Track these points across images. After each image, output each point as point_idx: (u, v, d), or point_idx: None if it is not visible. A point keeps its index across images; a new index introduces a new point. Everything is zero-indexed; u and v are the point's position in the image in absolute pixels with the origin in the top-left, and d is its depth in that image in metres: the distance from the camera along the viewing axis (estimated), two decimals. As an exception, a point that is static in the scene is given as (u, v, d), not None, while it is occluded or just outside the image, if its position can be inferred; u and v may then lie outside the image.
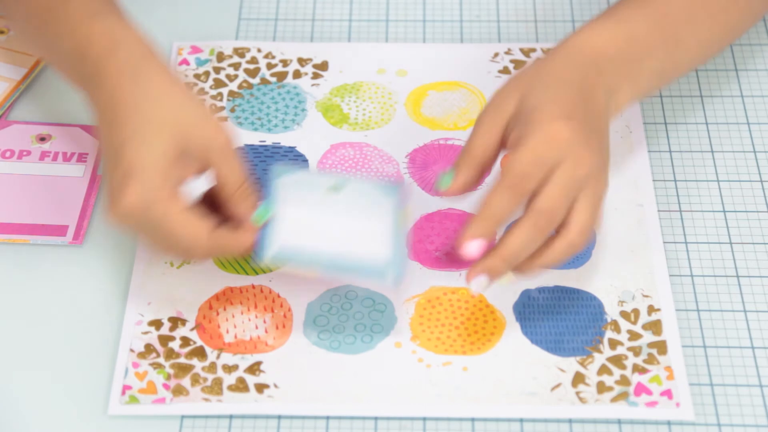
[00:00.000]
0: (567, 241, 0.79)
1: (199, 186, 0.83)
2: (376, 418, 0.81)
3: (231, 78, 1.02)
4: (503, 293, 0.87)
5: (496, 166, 0.83)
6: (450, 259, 0.88)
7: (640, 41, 0.86)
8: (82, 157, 0.96)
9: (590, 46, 0.85)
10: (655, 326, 0.85)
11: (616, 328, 0.85)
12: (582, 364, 0.83)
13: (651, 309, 0.86)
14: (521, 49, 1.04)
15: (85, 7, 0.85)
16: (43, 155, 0.96)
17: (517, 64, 1.03)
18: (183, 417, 0.82)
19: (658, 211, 0.92)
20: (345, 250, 0.82)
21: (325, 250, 0.82)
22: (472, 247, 0.80)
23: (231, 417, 0.82)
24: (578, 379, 0.83)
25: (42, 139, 0.97)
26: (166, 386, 0.82)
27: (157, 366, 0.84)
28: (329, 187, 0.86)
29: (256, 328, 0.86)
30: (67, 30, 0.84)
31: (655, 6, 0.88)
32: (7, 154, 0.96)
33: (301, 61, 1.03)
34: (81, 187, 0.94)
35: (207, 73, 1.02)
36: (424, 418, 0.82)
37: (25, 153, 0.96)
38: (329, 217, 0.83)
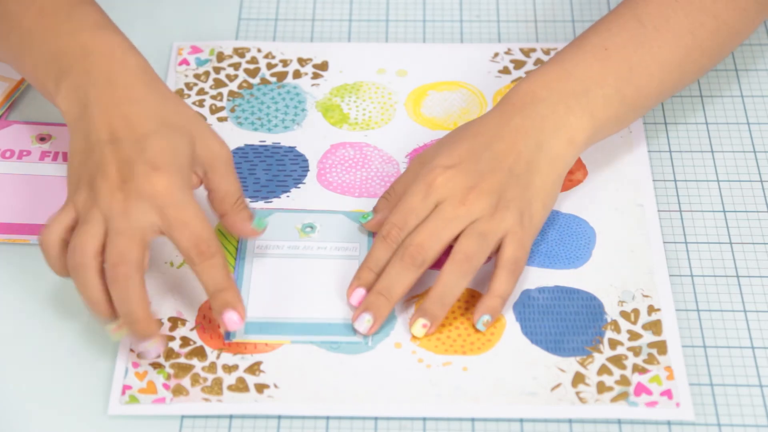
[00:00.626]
0: (440, 275, 0.84)
1: None
2: (376, 418, 0.81)
3: (231, 78, 1.02)
4: (503, 293, 0.87)
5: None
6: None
7: (578, 76, 0.88)
8: (82, 157, 0.96)
9: (519, 95, 0.88)
10: (655, 326, 0.85)
11: (616, 328, 0.85)
12: (582, 364, 0.83)
13: (651, 309, 0.86)
14: (521, 49, 1.04)
15: (90, 18, 0.87)
16: (43, 155, 0.96)
17: (517, 64, 1.03)
18: (183, 417, 0.82)
19: (658, 211, 0.92)
20: (314, 315, 0.86)
21: (294, 319, 0.86)
22: (356, 297, 0.85)
23: (231, 417, 0.82)
24: (578, 379, 0.83)
25: (42, 139, 0.97)
26: (166, 386, 0.82)
27: (157, 366, 0.84)
28: (302, 227, 0.90)
29: (256, 328, 0.86)
30: (67, 32, 0.86)
31: (594, 42, 0.89)
32: (7, 154, 0.96)
33: (301, 61, 1.03)
34: (81, 187, 0.94)
35: (207, 73, 1.02)
36: (424, 418, 0.81)
37: (25, 153, 0.96)
38: (300, 274, 0.88)
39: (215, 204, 0.86)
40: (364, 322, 0.84)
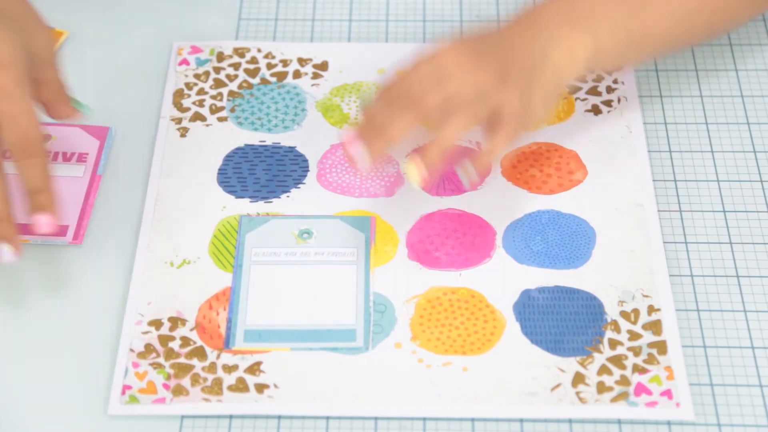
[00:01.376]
0: (436, 140, 0.83)
1: None
2: (376, 418, 0.81)
3: (231, 78, 1.02)
4: (503, 293, 0.87)
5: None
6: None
7: (587, 5, 0.88)
8: (82, 157, 0.96)
9: (528, 15, 0.88)
10: (655, 326, 0.85)
11: (616, 328, 0.85)
12: (582, 364, 0.83)
13: (651, 309, 0.86)
14: (521, 49, 1.04)
15: None
16: (44, 155, 0.96)
17: (517, 64, 1.03)
18: (183, 417, 0.82)
19: (658, 211, 0.92)
20: (312, 322, 0.86)
21: (292, 327, 0.85)
22: (348, 139, 0.84)
23: (231, 417, 0.82)
24: (578, 379, 0.83)
25: (42, 139, 0.97)
26: (166, 386, 0.82)
27: (157, 366, 0.84)
28: (299, 233, 0.90)
29: (256, 328, 0.86)
30: None
31: None
32: (8, 154, 0.96)
33: (301, 61, 1.03)
34: (81, 187, 0.94)
35: (207, 73, 1.02)
36: (424, 418, 0.82)
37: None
38: (297, 280, 0.88)
39: (41, 93, 0.86)
40: (362, 156, 0.83)
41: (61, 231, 0.90)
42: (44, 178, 0.81)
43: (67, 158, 0.95)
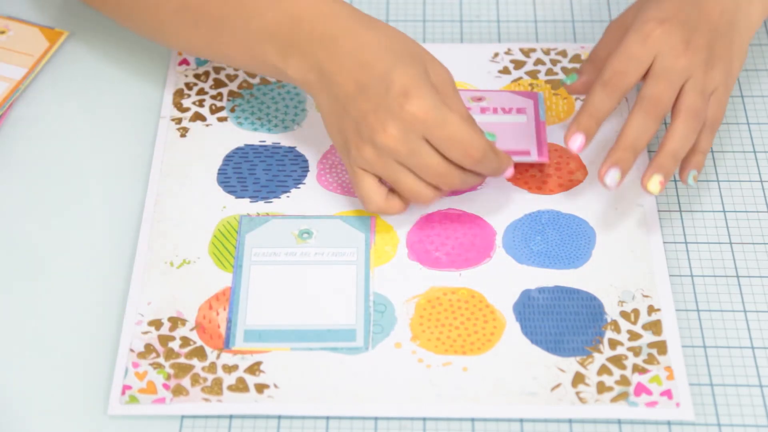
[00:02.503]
0: (672, 133, 0.87)
1: None
2: (376, 418, 0.81)
3: (231, 78, 1.02)
4: (503, 293, 0.87)
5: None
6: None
7: None
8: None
9: None
10: (655, 326, 0.85)
11: (616, 328, 0.85)
12: (582, 364, 0.83)
13: (651, 309, 0.86)
14: (521, 49, 1.04)
15: None
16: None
17: (517, 64, 1.03)
18: (183, 417, 0.82)
19: (658, 211, 0.92)
20: (312, 322, 0.86)
21: (293, 327, 0.85)
22: (576, 142, 0.87)
23: (231, 417, 0.82)
24: (578, 379, 0.83)
25: (42, 139, 0.97)
26: (166, 386, 0.82)
27: (157, 366, 0.84)
28: (299, 233, 0.90)
29: (256, 328, 0.86)
30: (266, 7, 0.88)
31: None
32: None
33: (301, 61, 1.03)
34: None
35: (207, 73, 1.02)
36: (424, 418, 0.82)
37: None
38: (297, 280, 0.88)
39: None
40: (614, 176, 0.86)
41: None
42: (502, 162, 0.86)
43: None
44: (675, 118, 0.86)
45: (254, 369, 0.83)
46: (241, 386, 0.82)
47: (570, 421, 0.81)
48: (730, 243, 0.91)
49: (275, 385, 0.83)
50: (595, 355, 0.84)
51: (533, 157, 0.92)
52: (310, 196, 0.94)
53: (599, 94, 0.87)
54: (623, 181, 0.88)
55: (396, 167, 0.85)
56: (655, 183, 0.86)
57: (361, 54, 0.85)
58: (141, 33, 0.96)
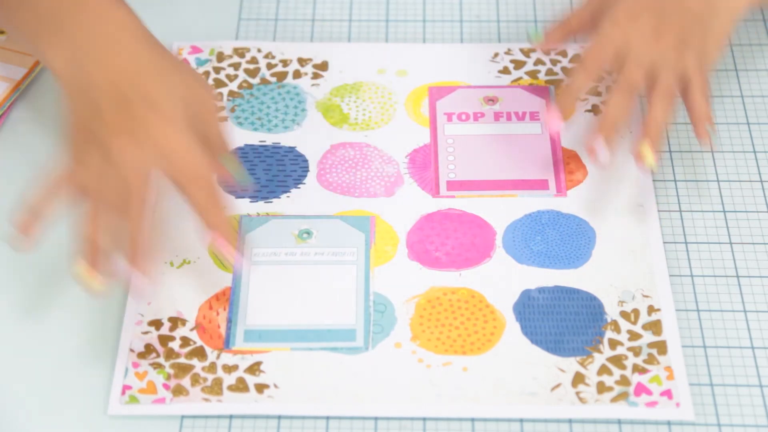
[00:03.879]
0: (651, 110, 0.88)
1: None
2: (376, 418, 0.81)
3: (231, 78, 1.02)
4: (503, 293, 0.87)
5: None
6: None
7: None
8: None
9: None
10: (655, 326, 0.85)
11: (616, 328, 0.85)
12: (582, 364, 0.83)
13: (651, 309, 0.86)
14: (521, 49, 1.04)
15: None
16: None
17: (517, 64, 1.03)
18: (183, 417, 0.82)
19: (658, 211, 0.92)
20: (312, 322, 0.86)
21: (293, 327, 0.85)
22: (555, 124, 0.90)
23: (231, 417, 0.82)
24: (578, 379, 0.83)
25: (42, 139, 0.97)
26: (166, 386, 0.82)
27: (157, 366, 0.84)
28: (299, 233, 0.90)
29: (256, 328, 0.86)
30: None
31: None
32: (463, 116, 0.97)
33: (301, 61, 1.03)
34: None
35: (207, 73, 1.02)
36: (424, 418, 0.82)
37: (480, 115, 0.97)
38: (297, 280, 0.88)
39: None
40: (605, 154, 0.88)
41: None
42: (215, 201, 0.82)
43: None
44: (649, 97, 0.88)
45: (254, 369, 0.83)
46: (241, 386, 0.82)
47: (570, 421, 0.81)
48: (730, 243, 0.91)
49: (275, 385, 0.83)
50: (595, 355, 0.84)
51: (551, 192, 0.93)
52: (310, 196, 0.94)
53: (579, 76, 0.89)
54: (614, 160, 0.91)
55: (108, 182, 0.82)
56: (647, 151, 0.87)
57: (125, 61, 0.83)
58: None
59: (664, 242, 0.91)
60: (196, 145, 0.82)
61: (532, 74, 1.02)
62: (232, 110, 1.00)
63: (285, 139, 0.98)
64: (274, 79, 1.02)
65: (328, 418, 0.81)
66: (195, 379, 0.83)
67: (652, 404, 0.81)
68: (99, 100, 0.83)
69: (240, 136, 0.98)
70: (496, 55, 1.04)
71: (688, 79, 0.89)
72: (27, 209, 0.82)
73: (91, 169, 0.82)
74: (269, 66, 1.03)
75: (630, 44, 0.89)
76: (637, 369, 0.83)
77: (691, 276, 0.88)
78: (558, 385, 0.82)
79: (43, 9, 0.86)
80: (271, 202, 0.93)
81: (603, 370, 0.83)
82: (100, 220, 0.81)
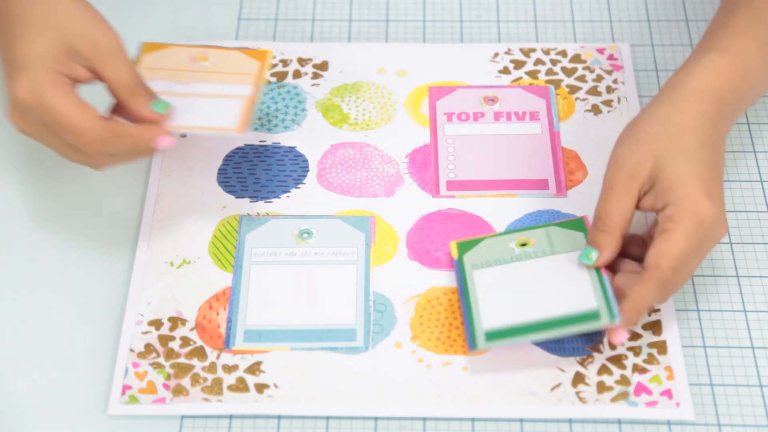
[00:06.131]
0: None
1: None
2: (376, 418, 0.82)
3: (231, 78, 1.02)
4: (503, 293, 0.87)
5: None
6: None
7: (752, 73, 0.85)
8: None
9: (712, 90, 0.83)
10: (655, 326, 0.85)
11: (616, 328, 0.85)
12: (582, 364, 0.83)
13: (651, 309, 0.86)
14: (521, 49, 1.04)
15: None
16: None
17: (517, 64, 1.03)
18: (183, 417, 0.82)
19: (658, 211, 0.92)
20: (312, 322, 0.85)
21: (293, 327, 0.85)
22: (621, 338, 0.81)
23: (231, 417, 0.82)
24: (578, 379, 0.83)
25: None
26: (166, 386, 0.82)
27: (157, 366, 0.84)
28: (299, 233, 0.90)
29: (256, 328, 0.86)
30: None
31: (761, 30, 0.86)
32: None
33: (301, 61, 1.03)
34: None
35: (207, 73, 1.02)
36: (424, 418, 0.82)
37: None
38: (297, 280, 0.87)
39: (116, 98, 0.84)
40: (624, 338, 0.81)
41: None
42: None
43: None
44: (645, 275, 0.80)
45: (254, 369, 0.83)
46: (241, 386, 0.82)
47: (570, 421, 0.81)
48: (730, 243, 0.91)
49: (275, 385, 0.83)
50: (595, 355, 0.84)
51: (551, 192, 0.93)
52: (310, 196, 0.94)
53: (652, 291, 0.80)
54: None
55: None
56: (623, 339, 0.81)
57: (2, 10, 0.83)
58: None
59: (664, 242, 0.90)
60: (59, 109, 0.80)
61: (532, 74, 1.02)
62: (232, 110, 1.00)
63: (285, 139, 0.98)
64: (274, 79, 1.02)
65: (328, 418, 0.81)
66: (195, 379, 0.83)
67: (652, 404, 0.81)
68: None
69: (240, 136, 0.98)
70: (496, 55, 1.04)
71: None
72: None
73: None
74: (269, 66, 1.03)
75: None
76: (637, 369, 0.83)
77: (691, 276, 0.88)
78: (558, 385, 0.82)
79: None
80: (271, 202, 0.93)
81: (603, 370, 0.83)
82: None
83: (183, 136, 0.96)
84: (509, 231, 0.90)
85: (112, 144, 0.81)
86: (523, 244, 0.88)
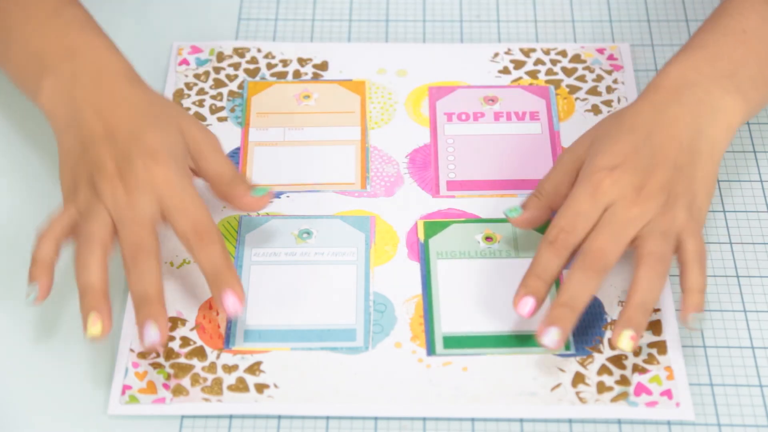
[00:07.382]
0: (636, 282, 0.81)
1: None
2: (376, 418, 0.81)
3: (231, 78, 1.02)
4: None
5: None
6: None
7: (725, 58, 0.87)
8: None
9: (670, 80, 0.86)
10: (655, 326, 0.85)
11: (616, 328, 0.85)
12: (582, 364, 0.83)
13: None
14: (521, 49, 1.04)
15: (76, 19, 0.90)
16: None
17: (517, 64, 1.03)
18: (183, 417, 0.82)
19: (658, 211, 0.92)
20: (312, 322, 0.85)
21: (293, 327, 0.85)
22: (526, 306, 0.82)
23: (231, 417, 0.82)
24: (578, 379, 0.83)
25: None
26: (166, 386, 0.82)
27: (157, 366, 0.84)
28: (299, 233, 0.90)
29: (256, 328, 0.86)
30: (53, 31, 0.88)
31: (730, 25, 0.88)
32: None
33: (301, 61, 1.03)
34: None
35: (207, 73, 1.02)
36: (424, 418, 0.82)
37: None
38: (297, 280, 0.88)
39: (214, 190, 0.87)
40: (553, 336, 0.79)
41: None
42: (224, 260, 0.82)
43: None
44: (637, 266, 0.81)
45: (254, 369, 0.83)
46: (241, 386, 0.82)
47: (570, 421, 0.81)
48: (730, 243, 0.91)
49: (275, 385, 0.83)
50: (595, 355, 0.84)
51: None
52: (310, 196, 0.94)
53: (546, 254, 0.82)
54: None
55: (106, 213, 0.82)
56: (625, 339, 0.79)
57: (119, 106, 0.85)
58: None
59: (664, 242, 0.90)
60: (199, 199, 0.83)
61: (532, 74, 1.02)
62: (232, 110, 1.00)
63: (285, 139, 0.98)
64: (274, 79, 1.02)
65: (328, 418, 0.81)
66: (195, 379, 0.83)
67: (652, 404, 0.81)
68: (96, 148, 0.83)
69: (240, 136, 0.98)
70: (496, 55, 1.04)
71: (681, 241, 0.82)
72: (32, 259, 0.82)
73: (81, 209, 0.83)
74: (269, 66, 1.03)
75: (609, 208, 0.82)
76: (637, 369, 0.83)
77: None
78: (558, 385, 0.82)
79: (34, 48, 0.88)
80: (271, 202, 0.93)
81: (603, 370, 0.83)
82: (96, 261, 0.81)
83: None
84: (477, 220, 0.91)
85: (212, 243, 0.82)
86: (489, 238, 0.88)
